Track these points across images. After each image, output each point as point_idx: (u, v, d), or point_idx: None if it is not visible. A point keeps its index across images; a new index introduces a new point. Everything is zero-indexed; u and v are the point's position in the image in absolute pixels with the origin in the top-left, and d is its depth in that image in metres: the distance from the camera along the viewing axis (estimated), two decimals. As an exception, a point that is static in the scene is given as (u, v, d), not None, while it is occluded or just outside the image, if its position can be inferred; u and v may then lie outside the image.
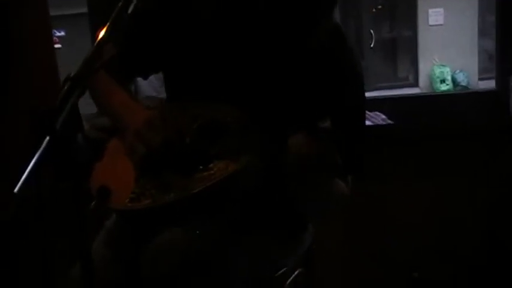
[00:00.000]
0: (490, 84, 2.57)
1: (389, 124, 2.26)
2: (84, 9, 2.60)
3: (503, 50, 2.38)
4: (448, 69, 9.86)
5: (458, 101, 2.56)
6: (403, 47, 10.75)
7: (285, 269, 1.49)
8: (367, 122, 2.23)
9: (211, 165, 1.27)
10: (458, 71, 9.89)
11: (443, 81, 9.81)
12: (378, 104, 2.39)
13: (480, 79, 9.68)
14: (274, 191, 1.35)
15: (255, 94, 1.37)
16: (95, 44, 0.94)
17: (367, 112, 2.22)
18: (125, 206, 1.26)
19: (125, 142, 1.35)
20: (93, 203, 1.07)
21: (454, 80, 9.86)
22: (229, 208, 1.30)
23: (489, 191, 2.26)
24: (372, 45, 10.21)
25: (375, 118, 2.29)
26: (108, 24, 0.99)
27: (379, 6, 10.66)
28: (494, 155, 2.19)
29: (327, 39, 1.36)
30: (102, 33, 0.94)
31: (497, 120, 2.26)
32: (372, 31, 10.26)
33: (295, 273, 1.54)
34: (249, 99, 1.35)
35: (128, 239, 1.35)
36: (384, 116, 2.31)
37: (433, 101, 2.56)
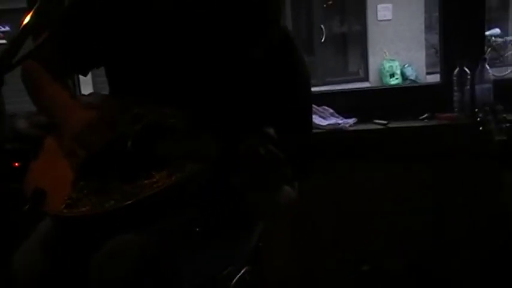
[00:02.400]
0: (437, 78, 2.64)
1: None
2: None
3: (446, 45, 2.43)
4: (397, 63, 10.03)
5: (406, 94, 2.59)
6: (353, 42, 10.88)
7: (231, 267, 1.47)
8: (315, 117, 2.24)
9: (153, 172, 1.23)
10: (407, 65, 10.07)
11: (392, 75, 9.97)
12: (327, 99, 2.40)
13: (428, 73, 9.90)
14: (224, 195, 1.32)
15: (201, 95, 1.34)
16: (19, 30, 0.88)
17: (315, 106, 2.23)
18: (61, 212, 1.20)
19: (63, 144, 1.30)
20: (27, 206, 1.01)
21: (403, 74, 10.04)
22: (174, 215, 1.26)
23: (441, 181, 2.29)
24: (322, 40, 10.29)
25: (322, 112, 2.29)
26: (33, 9, 0.93)
27: (330, 2, 10.74)
28: (443, 144, 2.22)
29: (275, 43, 1.36)
30: (26, 19, 0.88)
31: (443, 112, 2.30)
32: (322, 26, 10.34)
33: (243, 270, 1.52)
34: (195, 101, 1.32)
35: (65, 244, 1.28)
36: (331, 110, 2.32)
37: (381, 94, 2.58)
